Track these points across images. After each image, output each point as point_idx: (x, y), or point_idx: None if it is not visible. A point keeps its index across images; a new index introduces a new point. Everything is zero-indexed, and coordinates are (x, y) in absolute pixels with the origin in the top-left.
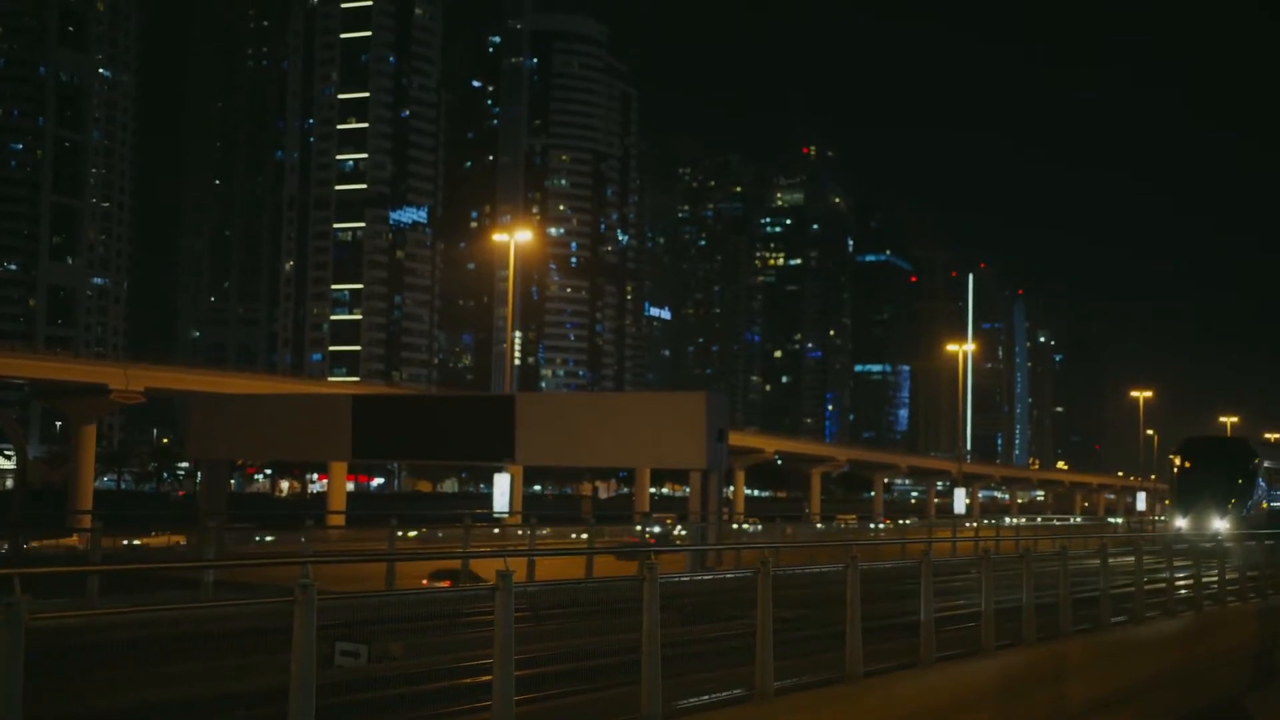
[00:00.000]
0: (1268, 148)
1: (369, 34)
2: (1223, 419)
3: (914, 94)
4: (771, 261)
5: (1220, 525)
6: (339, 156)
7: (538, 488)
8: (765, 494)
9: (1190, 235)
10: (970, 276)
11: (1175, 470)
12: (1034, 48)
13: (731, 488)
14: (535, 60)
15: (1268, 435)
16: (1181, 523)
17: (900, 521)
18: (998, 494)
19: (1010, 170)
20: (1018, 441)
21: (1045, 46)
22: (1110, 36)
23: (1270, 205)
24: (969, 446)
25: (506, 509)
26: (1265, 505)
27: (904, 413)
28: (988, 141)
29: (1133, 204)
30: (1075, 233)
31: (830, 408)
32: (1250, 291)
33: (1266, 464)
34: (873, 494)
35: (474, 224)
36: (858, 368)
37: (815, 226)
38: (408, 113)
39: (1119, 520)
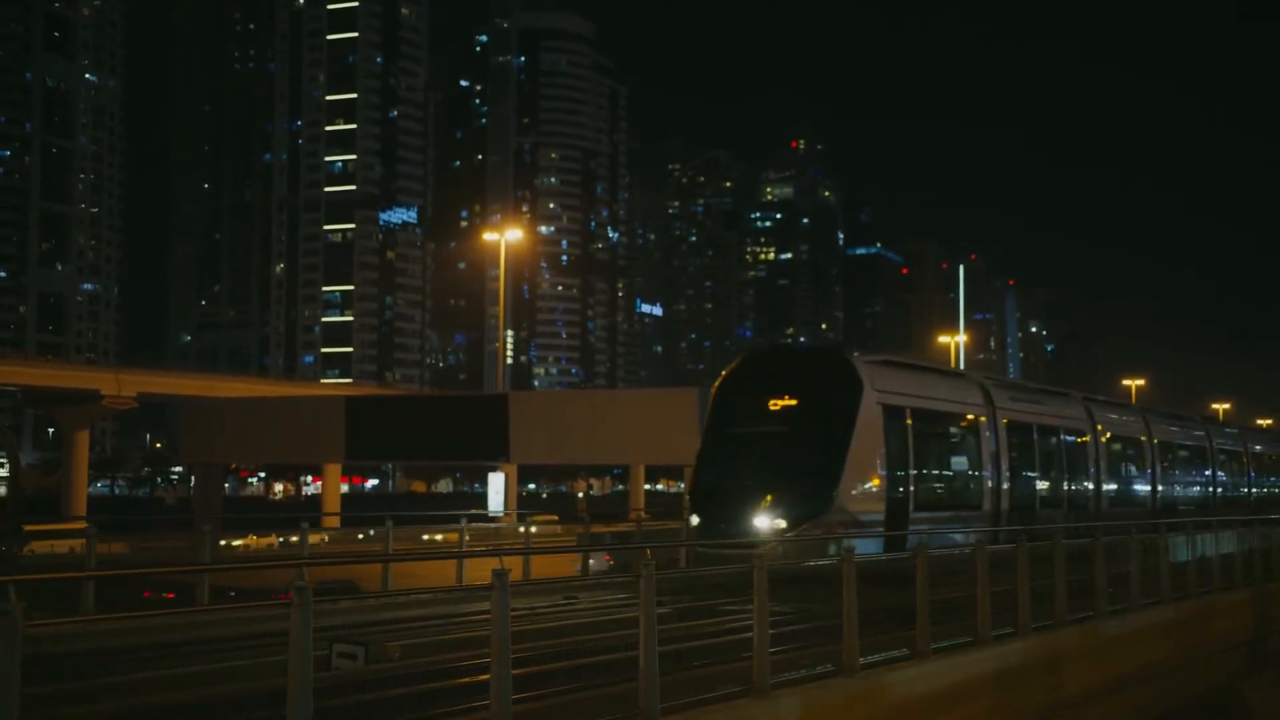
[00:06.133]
0: (1267, 147)
1: (355, 35)
2: (1215, 405)
3: (901, 87)
4: (762, 256)
5: (766, 527)
6: (327, 158)
7: (532, 486)
8: None
9: (1188, 231)
10: (961, 268)
11: (704, 421)
12: (1026, 42)
13: None
14: (523, 59)
15: (1261, 421)
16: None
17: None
18: None
19: (1001, 162)
20: None
21: (1037, 42)
22: (1108, 33)
23: (1270, 204)
24: None
25: (502, 508)
26: (881, 482)
27: None
28: (978, 134)
29: (1128, 200)
30: (1068, 225)
31: None
32: (1249, 288)
33: (896, 400)
34: None
35: (464, 223)
36: None
37: (805, 220)
38: (396, 113)
39: None
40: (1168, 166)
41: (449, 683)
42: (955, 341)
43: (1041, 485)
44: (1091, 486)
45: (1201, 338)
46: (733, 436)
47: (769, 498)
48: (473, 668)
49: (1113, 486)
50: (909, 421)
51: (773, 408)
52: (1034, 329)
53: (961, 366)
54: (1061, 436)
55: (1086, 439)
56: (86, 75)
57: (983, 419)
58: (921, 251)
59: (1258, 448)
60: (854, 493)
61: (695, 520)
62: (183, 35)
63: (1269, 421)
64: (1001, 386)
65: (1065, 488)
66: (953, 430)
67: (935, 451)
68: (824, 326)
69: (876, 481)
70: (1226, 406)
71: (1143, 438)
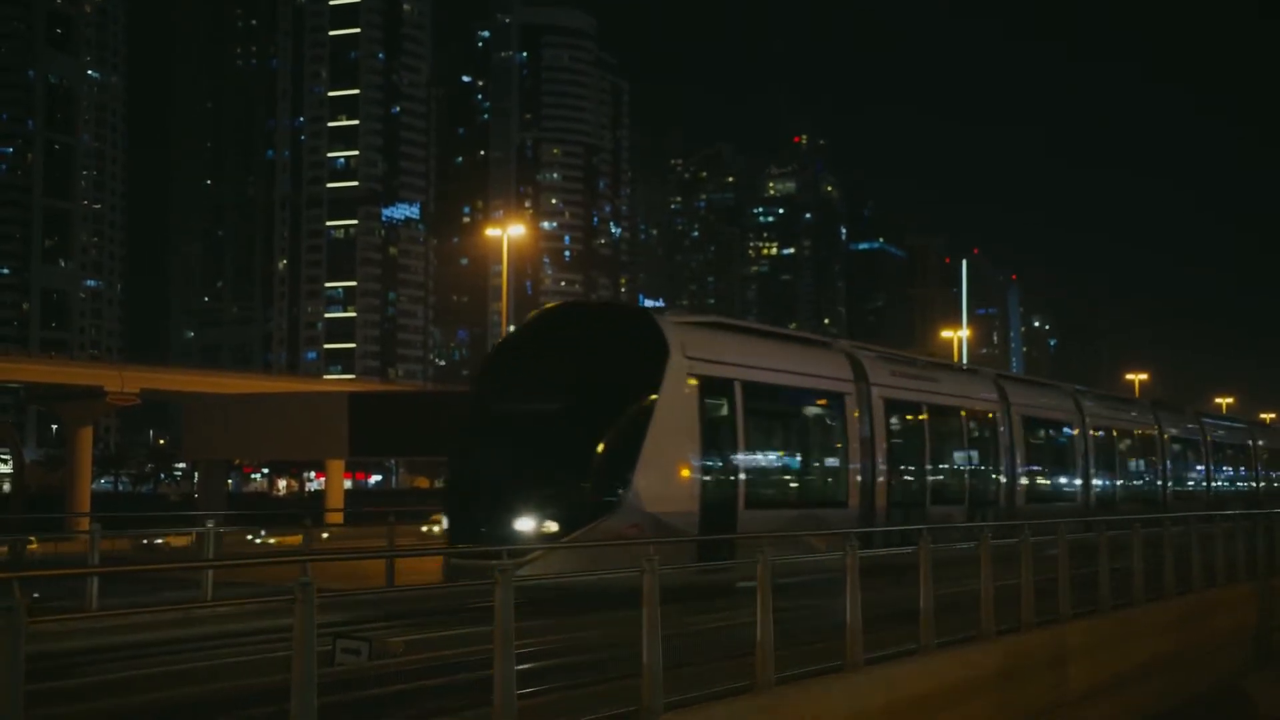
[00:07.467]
0: (1267, 145)
1: (358, 31)
2: (1219, 400)
3: (902, 84)
4: (765, 251)
5: (531, 531)
6: (330, 154)
7: None
8: None
9: (1189, 229)
10: (964, 263)
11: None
12: (1027, 40)
13: None
14: (525, 54)
15: (1264, 415)
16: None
17: None
18: None
19: (1002, 160)
20: None
21: (1038, 40)
22: (1108, 31)
23: (1270, 202)
24: None
25: None
26: (695, 474)
27: None
28: (978, 131)
29: (1129, 198)
30: (1068, 223)
31: None
32: (1249, 285)
33: (719, 371)
34: None
35: (467, 219)
36: None
37: (808, 216)
38: (398, 109)
39: None
40: (1168, 165)
41: (453, 678)
42: (959, 336)
43: (935, 477)
44: (1004, 480)
45: (1201, 335)
46: (499, 416)
47: (539, 494)
48: (477, 663)
49: (1032, 480)
50: (740, 398)
51: (551, 380)
52: (1036, 323)
53: (965, 361)
54: (964, 420)
55: (998, 424)
56: (89, 72)
57: (850, 396)
58: (924, 246)
59: (1218, 436)
60: (654, 487)
61: (445, 522)
62: (184, 32)
63: (1270, 416)
64: (882, 359)
65: (967, 480)
66: (807, 410)
67: (779, 436)
68: (826, 321)
69: (687, 473)
70: (1230, 401)
71: (1073, 423)
